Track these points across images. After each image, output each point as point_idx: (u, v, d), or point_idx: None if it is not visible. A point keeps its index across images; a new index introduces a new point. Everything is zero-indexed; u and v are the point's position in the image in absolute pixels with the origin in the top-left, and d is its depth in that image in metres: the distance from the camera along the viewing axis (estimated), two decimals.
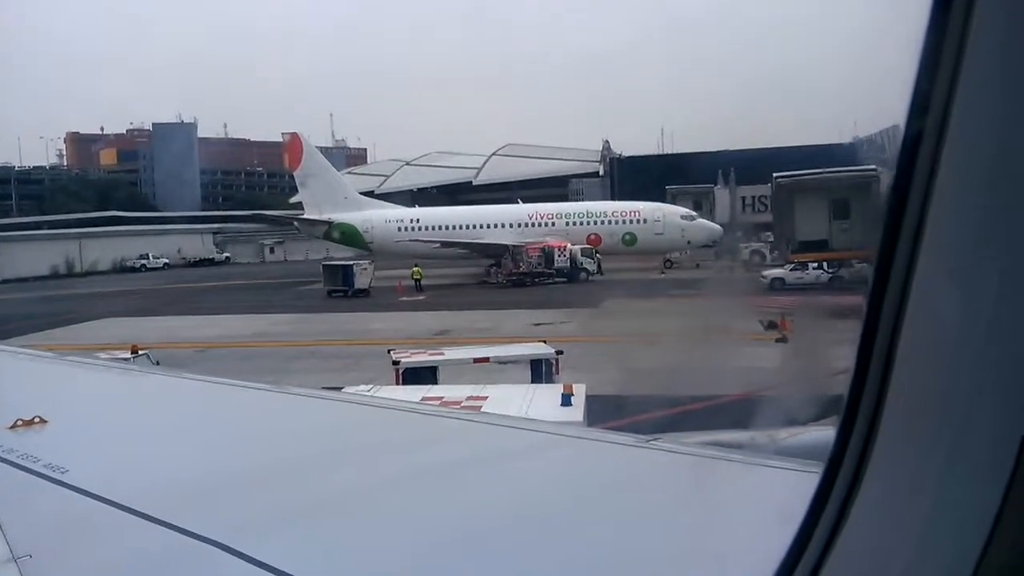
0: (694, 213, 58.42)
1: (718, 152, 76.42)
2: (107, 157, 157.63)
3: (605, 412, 13.31)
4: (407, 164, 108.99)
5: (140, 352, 16.72)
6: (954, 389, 0.92)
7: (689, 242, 57.04)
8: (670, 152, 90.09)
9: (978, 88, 0.88)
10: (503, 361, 15.02)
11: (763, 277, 39.56)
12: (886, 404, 0.99)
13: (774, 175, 39.72)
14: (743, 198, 69.16)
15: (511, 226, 57.84)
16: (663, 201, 61.25)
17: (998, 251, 0.87)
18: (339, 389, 10.56)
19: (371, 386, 12.45)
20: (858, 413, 1.02)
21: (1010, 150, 0.86)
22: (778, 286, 37.19)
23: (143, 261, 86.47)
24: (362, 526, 2.27)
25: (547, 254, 51.35)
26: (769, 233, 59.30)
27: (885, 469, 1.00)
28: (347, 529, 2.24)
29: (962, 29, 0.87)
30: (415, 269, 50.44)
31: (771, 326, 23.49)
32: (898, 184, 0.97)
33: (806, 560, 1.08)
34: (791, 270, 39.00)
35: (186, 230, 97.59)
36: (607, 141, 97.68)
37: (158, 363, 15.14)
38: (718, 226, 59.23)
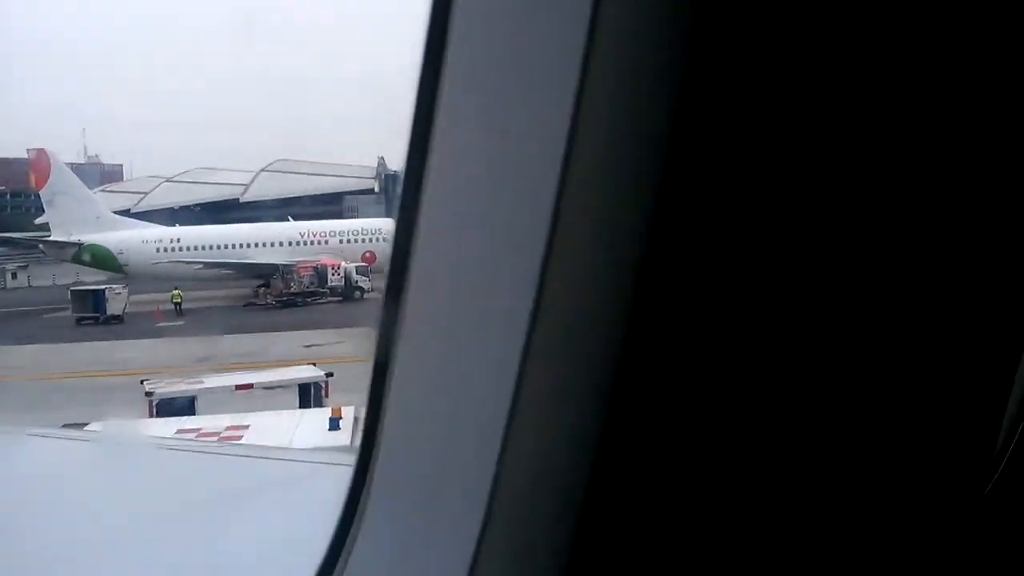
0: None
1: None
2: None
3: None
4: (167, 181, 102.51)
5: None
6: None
7: None
8: None
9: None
10: (269, 387, 14.64)
11: None
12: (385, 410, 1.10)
13: None
14: None
15: (282, 245, 56.07)
16: None
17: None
18: (84, 426, 9.87)
19: (120, 421, 11.72)
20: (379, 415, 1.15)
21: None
22: None
23: None
24: None
25: (320, 273, 50.33)
26: None
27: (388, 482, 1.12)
28: None
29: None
30: (175, 292, 47.71)
31: None
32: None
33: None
34: None
35: None
36: (382, 158, 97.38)
37: None
38: None
